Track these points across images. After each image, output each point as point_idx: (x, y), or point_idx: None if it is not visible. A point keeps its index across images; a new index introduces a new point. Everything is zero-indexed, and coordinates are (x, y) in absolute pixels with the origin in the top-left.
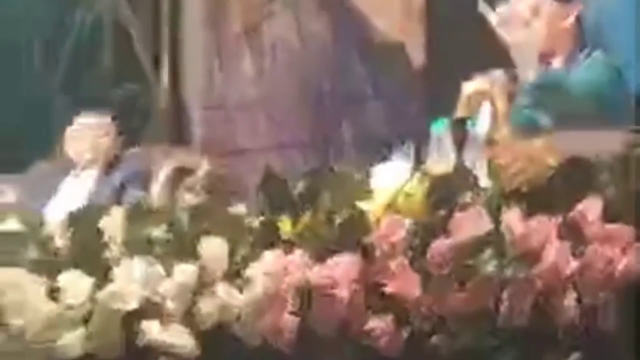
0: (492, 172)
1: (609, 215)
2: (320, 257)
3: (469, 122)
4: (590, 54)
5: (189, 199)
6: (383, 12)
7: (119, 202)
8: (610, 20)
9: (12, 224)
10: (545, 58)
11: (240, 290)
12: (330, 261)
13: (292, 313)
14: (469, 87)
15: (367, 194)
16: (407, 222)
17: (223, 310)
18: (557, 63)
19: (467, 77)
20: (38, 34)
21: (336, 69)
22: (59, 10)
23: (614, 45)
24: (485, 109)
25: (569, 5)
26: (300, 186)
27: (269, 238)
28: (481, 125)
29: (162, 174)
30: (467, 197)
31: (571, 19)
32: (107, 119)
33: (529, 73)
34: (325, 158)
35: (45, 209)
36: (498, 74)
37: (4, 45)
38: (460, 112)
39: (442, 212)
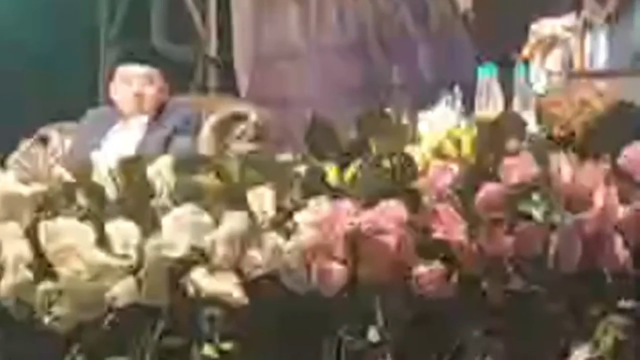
0: (543, 117)
1: None
2: (367, 204)
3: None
4: None
5: (237, 147)
6: None
7: (167, 151)
8: None
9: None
10: None
11: (288, 238)
12: (377, 208)
13: (339, 261)
14: (544, 30)
15: (415, 139)
16: (455, 167)
17: (271, 258)
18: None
19: (513, 24)
20: None
21: (383, 14)
22: None
23: None
24: (556, 54)
25: None
26: (350, 133)
27: (316, 186)
28: (537, 71)
29: (210, 123)
30: (516, 142)
31: None
32: (153, 69)
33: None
34: (374, 105)
35: (94, 157)
36: (571, 20)
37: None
38: (527, 53)
39: (491, 158)
